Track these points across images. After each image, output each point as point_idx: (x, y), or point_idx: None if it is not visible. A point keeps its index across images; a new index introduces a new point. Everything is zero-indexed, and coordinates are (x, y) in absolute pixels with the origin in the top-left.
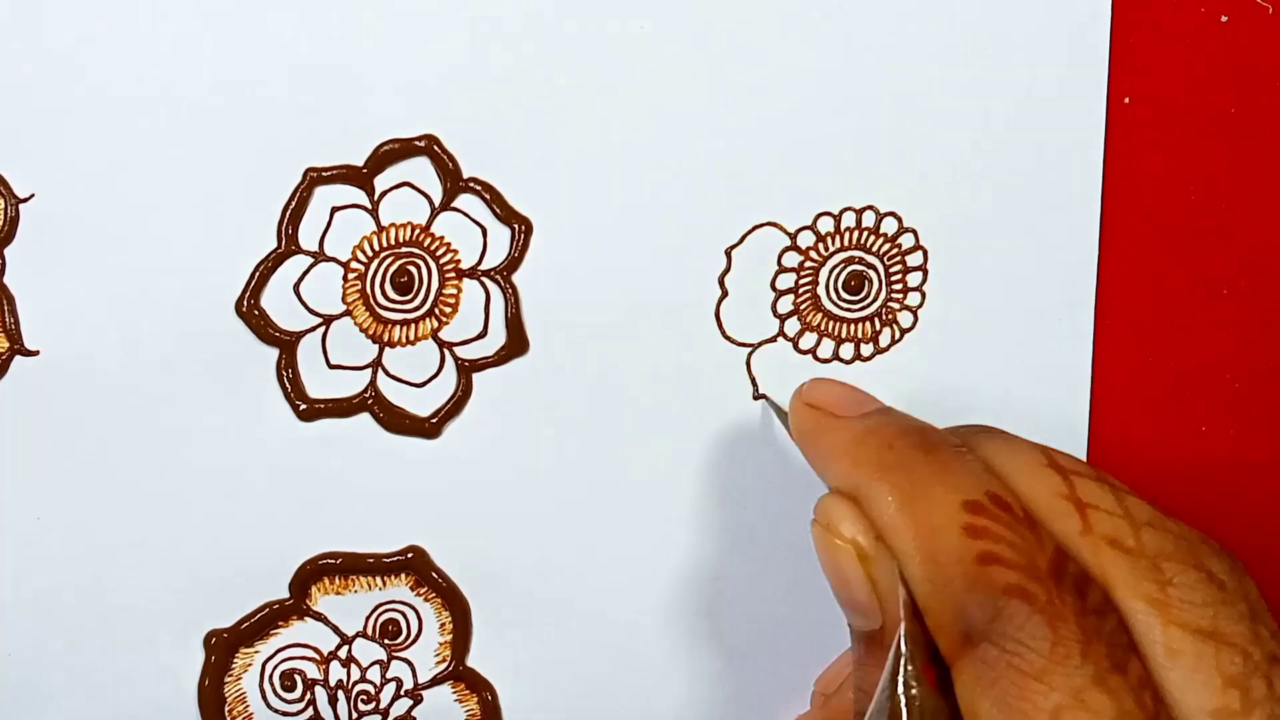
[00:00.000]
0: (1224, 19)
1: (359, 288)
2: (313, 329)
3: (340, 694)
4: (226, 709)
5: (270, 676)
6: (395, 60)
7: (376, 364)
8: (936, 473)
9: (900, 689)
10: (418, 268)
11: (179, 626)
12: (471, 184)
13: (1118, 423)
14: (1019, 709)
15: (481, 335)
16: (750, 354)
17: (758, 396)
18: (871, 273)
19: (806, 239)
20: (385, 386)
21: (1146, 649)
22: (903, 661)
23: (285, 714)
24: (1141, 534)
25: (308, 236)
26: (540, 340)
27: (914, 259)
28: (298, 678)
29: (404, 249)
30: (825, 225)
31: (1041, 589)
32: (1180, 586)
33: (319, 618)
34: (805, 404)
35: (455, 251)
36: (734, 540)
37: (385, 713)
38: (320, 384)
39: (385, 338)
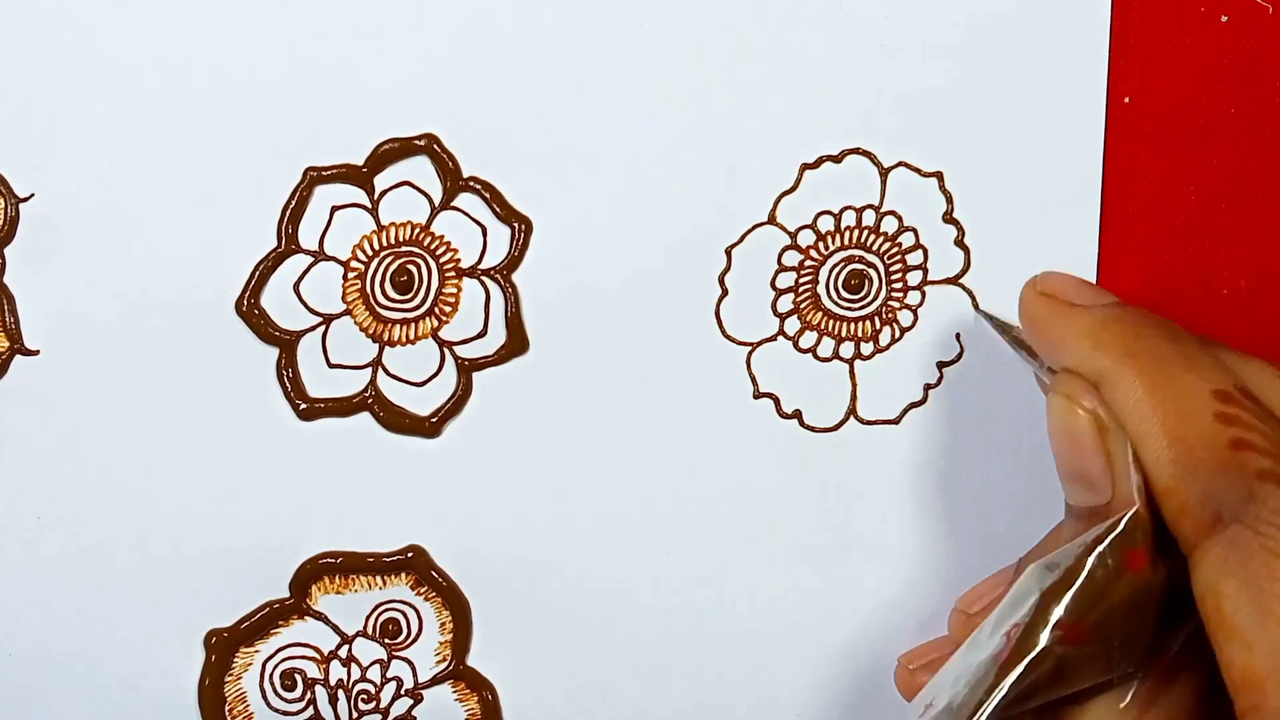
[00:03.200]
0: (1224, 19)
1: (359, 287)
2: (313, 328)
3: (340, 693)
4: (227, 708)
5: (270, 676)
6: (395, 60)
7: (376, 363)
8: (1185, 360)
9: (1094, 556)
10: (418, 267)
11: (179, 626)
12: (471, 183)
13: None
14: (1270, 589)
15: (481, 334)
16: (750, 353)
17: (977, 309)
18: (871, 272)
19: (806, 238)
20: (385, 386)
21: None
22: (1113, 535)
23: (285, 713)
24: None
25: (308, 236)
26: (540, 340)
27: (914, 258)
28: (298, 677)
29: (404, 248)
30: (825, 224)
31: None
32: None
33: (319, 617)
34: (1039, 292)
35: (455, 251)
36: (734, 540)
37: (385, 712)
38: (320, 383)
39: (385, 337)
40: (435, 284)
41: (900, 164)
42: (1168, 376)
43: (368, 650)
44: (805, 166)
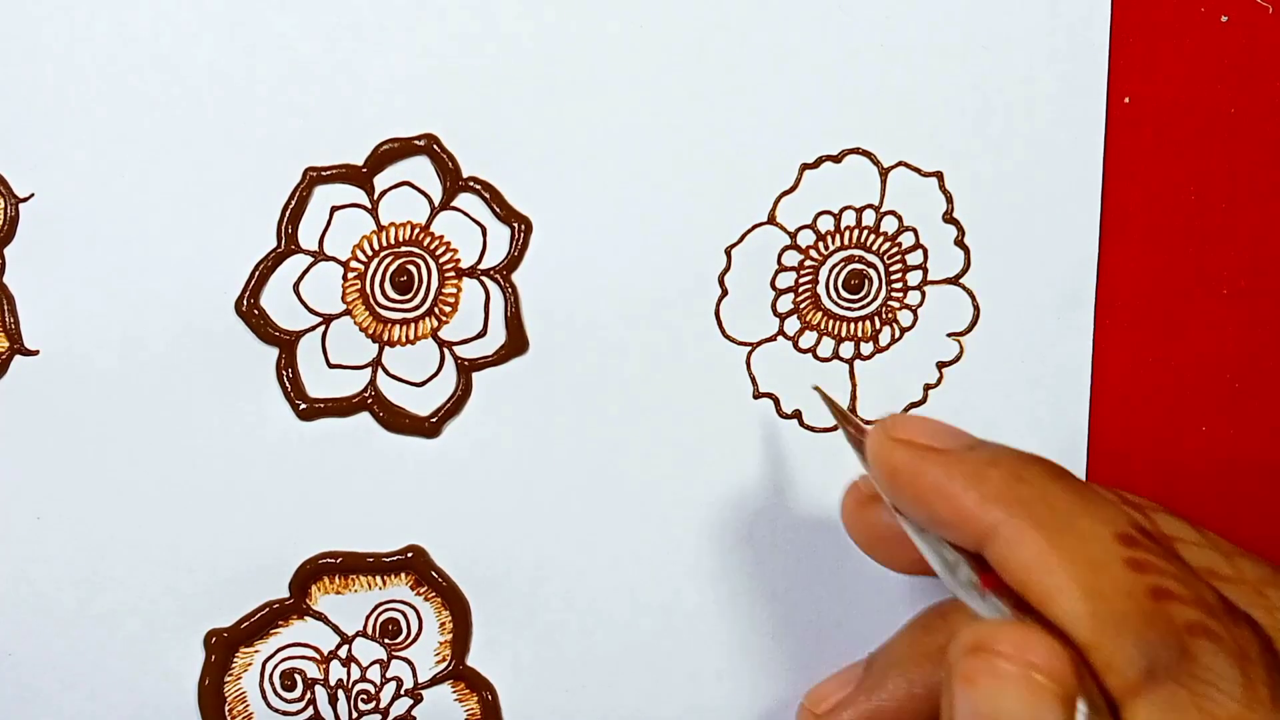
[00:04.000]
0: (1224, 19)
1: (359, 287)
2: (312, 328)
3: (340, 693)
4: (227, 708)
5: (270, 676)
6: (395, 60)
7: (376, 363)
8: (1078, 504)
9: None
10: (417, 267)
11: (179, 626)
12: (471, 183)
13: (1118, 423)
14: None
15: (481, 335)
16: (750, 353)
17: (814, 388)
18: (871, 272)
19: (806, 238)
20: (385, 386)
21: None
22: None
23: (285, 713)
24: (1235, 562)
25: (307, 236)
26: (540, 340)
27: (914, 258)
28: (298, 677)
29: (404, 248)
30: (825, 224)
31: (1220, 627)
32: None
33: (319, 617)
34: (894, 439)
35: (455, 251)
36: (734, 540)
37: (385, 712)
38: (320, 383)
39: (385, 337)
40: (435, 284)
41: (900, 164)
42: (1065, 523)
43: (368, 650)
44: (805, 166)
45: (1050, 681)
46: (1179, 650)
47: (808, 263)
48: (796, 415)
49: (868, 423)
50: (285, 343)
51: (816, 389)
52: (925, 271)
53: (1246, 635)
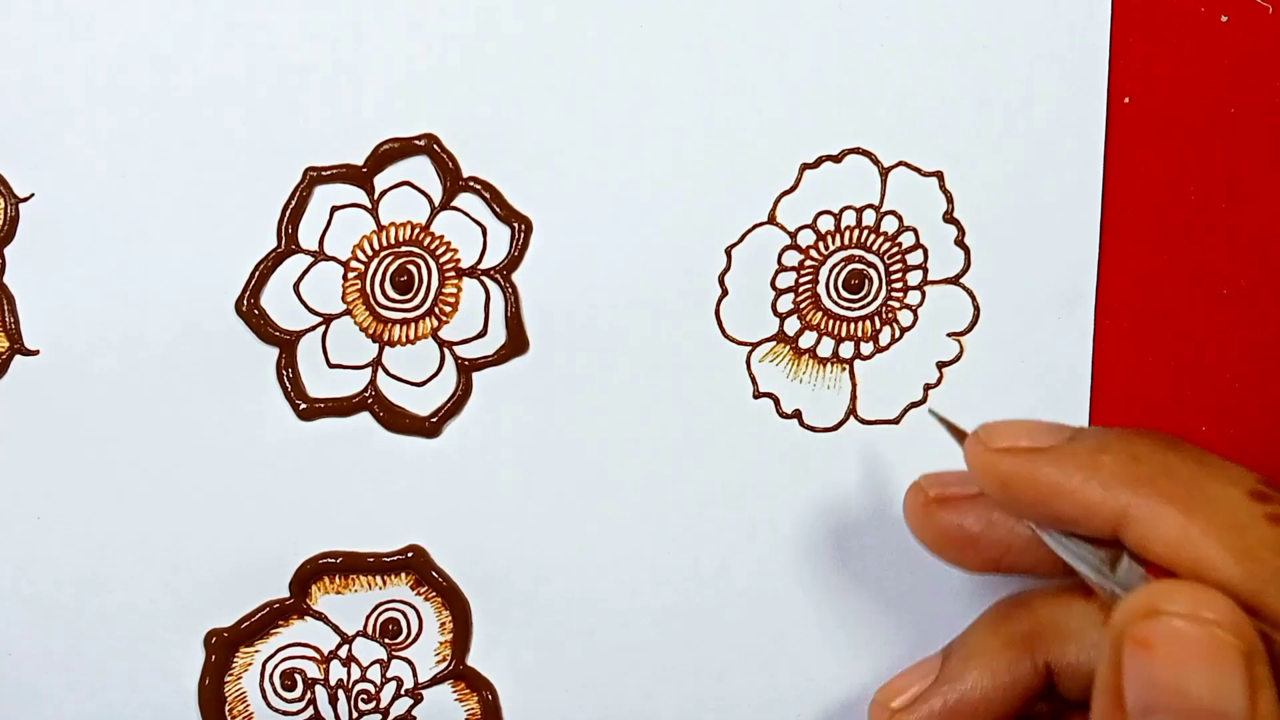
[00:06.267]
0: (1224, 19)
1: (359, 287)
2: (313, 328)
3: (340, 693)
4: (227, 708)
5: (270, 676)
6: (395, 59)
7: (376, 363)
8: (1201, 470)
9: None
10: (417, 267)
11: (179, 626)
12: (471, 183)
13: (1118, 422)
14: None
15: (481, 334)
16: (750, 353)
17: (931, 412)
18: (871, 271)
19: (806, 238)
20: (385, 386)
21: None
22: None
23: (285, 713)
24: None
25: (307, 236)
26: (540, 340)
27: (914, 258)
28: (298, 677)
29: (404, 248)
30: (825, 224)
31: None
32: None
33: (319, 617)
34: (996, 450)
35: (455, 250)
36: (734, 540)
37: (385, 712)
38: (320, 383)
39: (385, 337)
40: (435, 284)
41: (900, 164)
42: (1195, 492)
43: (368, 650)
44: (805, 166)
45: (1234, 638)
46: None
47: (808, 262)
48: (796, 415)
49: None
50: (285, 343)
51: (931, 412)
52: (925, 271)
53: None
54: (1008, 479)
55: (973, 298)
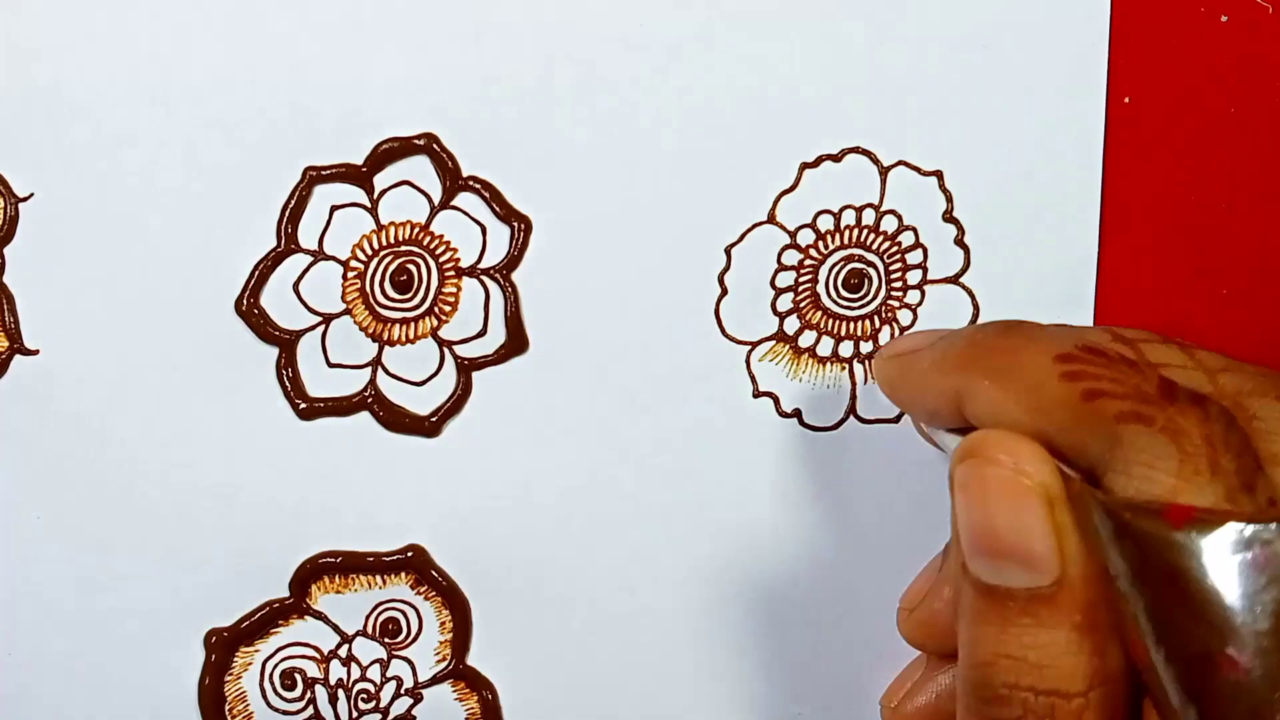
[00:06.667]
0: (1224, 19)
1: (358, 286)
2: (312, 328)
3: (340, 693)
4: (227, 708)
5: (270, 675)
6: (394, 59)
7: (376, 363)
8: (1021, 341)
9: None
10: (417, 266)
11: (179, 626)
12: (471, 182)
13: None
14: None
15: (481, 334)
16: (750, 352)
17: (923, 434)
18: (871, 271)
19: (806, 237)
20: (385, 385)
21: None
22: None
23: (285, 713)
24: (1218, 379)
25: (307, 235)
26: (540, 339)
27: (914, 257)
28: (298, 676)
29: (403, 247)
30: (825, 223)
31: (1156, 410)
32: (1266, 419)
33: (319, 616)
34: (883, 358)
35: (455, 250)
36: (734, 540)
37: (385, 711)
38: (320, 383)
39: (385, 336)
40: (435, 283)
41: (900, 163)
42: (1009, 363)
43: (368, 650)
44: (805, 166)
45: (1030, 480)
46: (1111, 440)
47: (807, 262)
48: (796, 414)
49: (958, 431)
50: (285, 342)
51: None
52: (925, 271)
53: (1194, 416)
54: (890, 380)
55: (972, 297)
